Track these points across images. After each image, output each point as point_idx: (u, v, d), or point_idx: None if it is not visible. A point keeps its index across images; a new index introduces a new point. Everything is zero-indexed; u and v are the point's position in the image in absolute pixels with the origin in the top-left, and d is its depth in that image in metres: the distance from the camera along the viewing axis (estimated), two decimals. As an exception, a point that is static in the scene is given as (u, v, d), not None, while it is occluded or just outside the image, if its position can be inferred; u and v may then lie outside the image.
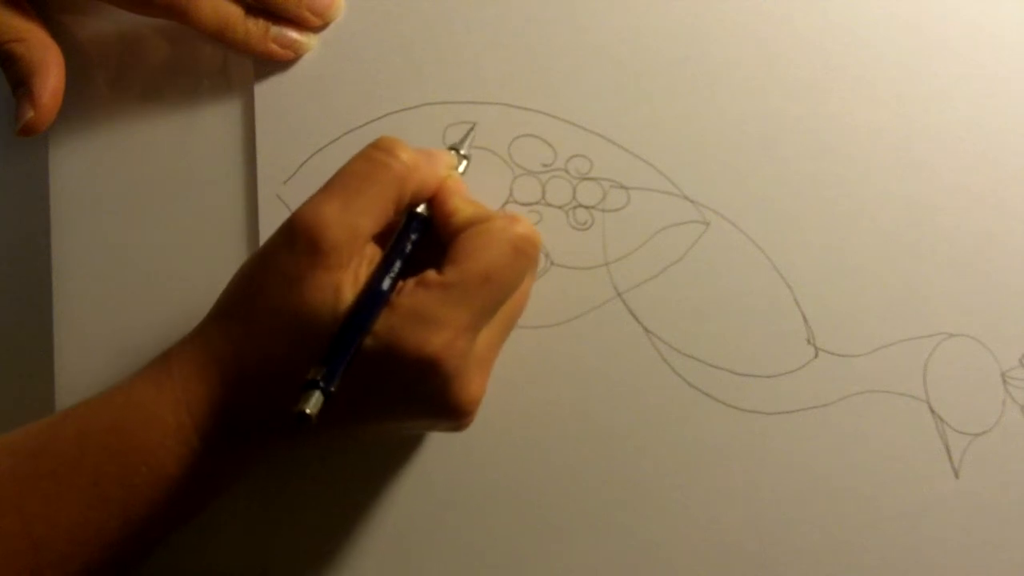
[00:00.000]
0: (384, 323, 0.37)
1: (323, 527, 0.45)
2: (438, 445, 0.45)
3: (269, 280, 0.38)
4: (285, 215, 0.38)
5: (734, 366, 0.44)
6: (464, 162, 0.43)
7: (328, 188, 0.38)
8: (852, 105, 0.45)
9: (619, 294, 0.44)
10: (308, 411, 0.34)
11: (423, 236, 0.40)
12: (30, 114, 0.41)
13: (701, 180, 0.45)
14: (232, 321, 0.39)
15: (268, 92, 0.45)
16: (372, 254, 0.39)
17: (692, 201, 0.45)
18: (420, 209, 0.40)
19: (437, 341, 0.36)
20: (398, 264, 0.38)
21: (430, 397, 0.38)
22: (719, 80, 0.45)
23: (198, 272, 0.45)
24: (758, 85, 0.45)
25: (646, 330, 0.44)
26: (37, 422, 0.39)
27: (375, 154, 0.39)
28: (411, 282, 0.38)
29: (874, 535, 0.44)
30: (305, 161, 0.45)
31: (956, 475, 0.44)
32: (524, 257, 0.39)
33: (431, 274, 0.38)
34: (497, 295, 0.38)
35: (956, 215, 0.45)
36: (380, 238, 0.39)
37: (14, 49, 0.41)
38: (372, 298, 0.37)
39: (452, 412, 0.39)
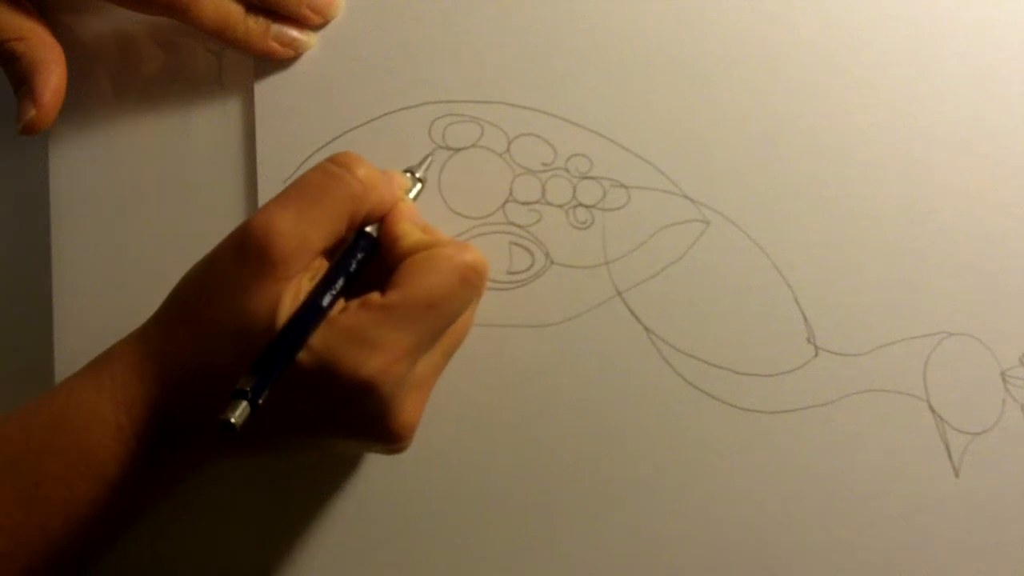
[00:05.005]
0: (321, 340, 0.36)
1: (323, 527, 0.45)
2: (438, 446, 0.44)
3: (215, 285, 0.38)
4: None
5: (734, 365, 0.44)
6: (418, 185, 0.43)
7: (283, 198, 0.38)
8: (852, 105, 0.45)
9: (619, 293, 0.44)
10: (233, 420, 0.34)
11: (370, 257, 0.39)
12: (32, 113, 0.41)
13: (701, 179, 0.45)
14: (175, 324, 0.39)
15: (268, 91, 0.45)
16: (318, 268, 0.38)
17: (692, 200, 0.45)
18: (370, 229, 0.40)
19: (373, 364, 0.36)
20: (340, 281, 0.38)
21: (362, 419, 0.38)
22: (719, 79, 0.45)
23: (198, 271, 0.45)
24: (758, 85, 0.45)
25: (646, 329, 0.44)
26: None
27: (333, 168, 0.38)
28: (354, 303, 0.37)
29: (874, 535, 0.44)
30: (305, 160, 0.45)
31: (956, 474, 0.44)
32: (469, 286, 0.38)
33: (374, 296, 0.37)
34: (439, 322, 0.38)
35: (956, 215, 0.45)
36: (329, 254, 0.39)
37: (15, 47, 0.41)
38: (309, 312, 0.36)
39: (384, 436, 0.39)
